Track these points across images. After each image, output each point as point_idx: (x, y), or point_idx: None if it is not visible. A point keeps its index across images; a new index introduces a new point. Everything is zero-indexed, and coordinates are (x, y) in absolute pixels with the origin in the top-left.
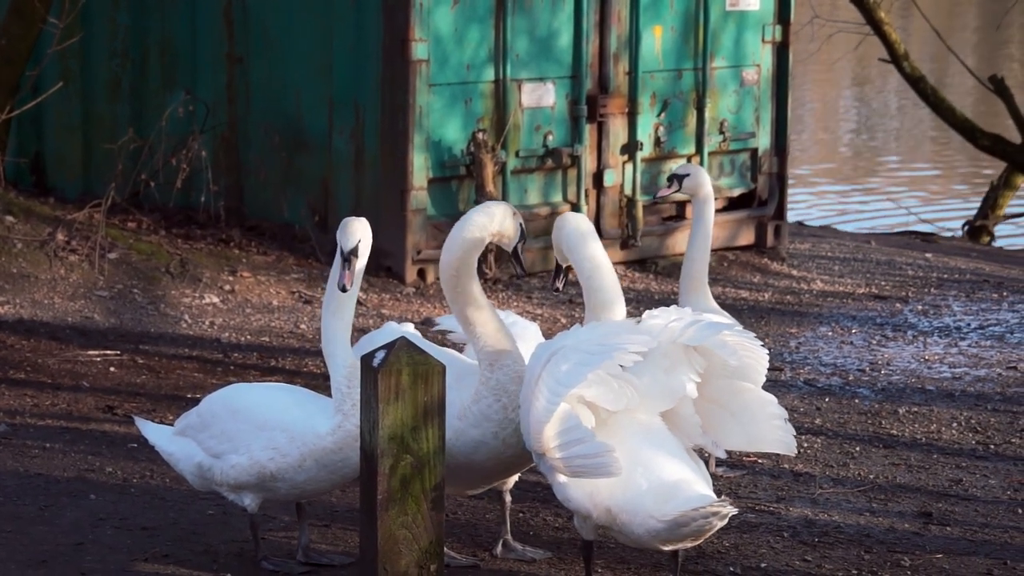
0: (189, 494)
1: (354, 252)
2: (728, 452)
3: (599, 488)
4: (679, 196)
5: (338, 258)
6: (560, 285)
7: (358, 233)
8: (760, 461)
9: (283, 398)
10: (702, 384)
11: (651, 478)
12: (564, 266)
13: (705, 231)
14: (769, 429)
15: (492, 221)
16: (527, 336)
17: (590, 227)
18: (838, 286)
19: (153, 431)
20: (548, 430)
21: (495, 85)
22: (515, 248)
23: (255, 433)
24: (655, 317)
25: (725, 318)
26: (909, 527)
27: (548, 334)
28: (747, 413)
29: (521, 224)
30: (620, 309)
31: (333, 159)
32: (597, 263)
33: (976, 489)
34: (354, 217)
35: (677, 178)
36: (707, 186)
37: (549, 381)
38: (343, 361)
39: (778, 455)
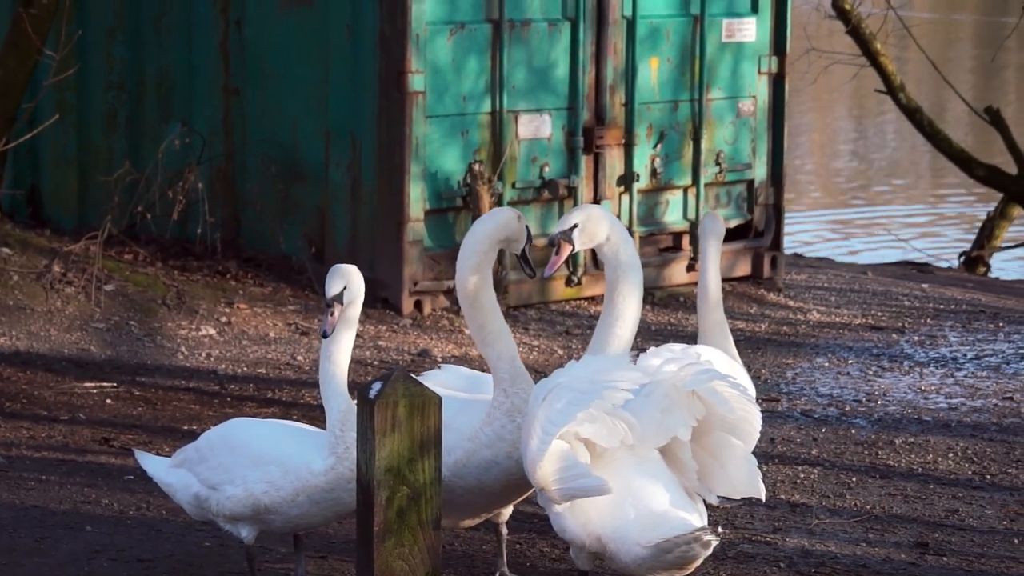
0: (185, 526)
1: (337, 299)
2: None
3: (591, 518)
4: (678, 227)
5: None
6: (550, 272)
7: (340, 281)
8: None
9: (280, 433)
10: (701, 433)
11: (639, 507)
12: (577, 250)
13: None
14: (742, 473)
15: (499, 228)
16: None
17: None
18: (835, 317)
19: (152, 463)
20: (543, 468)
21: (492, 116)
22: (523, 250)
23: (251, 466)
24: (654, 356)
25: (732, 360)
26: (905, 557)
27: (544, 364)
28: (732, 466)
29: (527, 226)
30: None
31: (330, 191)
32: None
33: (972, 519)
34: (344, 264)
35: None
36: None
37: (542, 420)
38: (337, 405)
39: (775, 485)
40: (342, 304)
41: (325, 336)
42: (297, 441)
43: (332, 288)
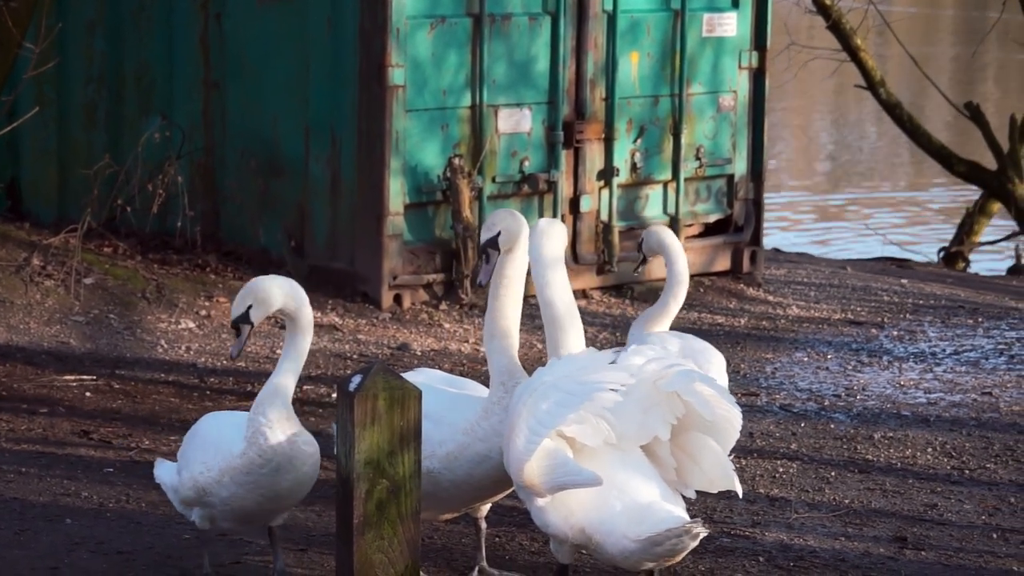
0: (165, 519)
1: (243, 319)
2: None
3: (574, 511)
4: (658, 221)
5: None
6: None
7: (245, 301)
8: None
9: (235, 422)
10: (677, 431)
11: (625, 500)
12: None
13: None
14: (716, 471)
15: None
16: (466, 387)
17: (560, 252)
18: (814, 312)
19: (163, 470)
20: (531, 466)
21: (472, 110)
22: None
23: (199, 450)
24: (637, 354)
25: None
26: (884, 552)
27: (523, 358)
28: (706, 464)
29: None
30: (576, 334)
31: (309, 185)
32: (554, 295)
33: (951, 514)
34: (260, 277)
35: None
36: (667, 240)
37: (529, 420)
38: (265, 389)
39: (754, 479)
40: (252, 324)
41: (232, 358)
42: (239, 427)
43: (236, 308)
